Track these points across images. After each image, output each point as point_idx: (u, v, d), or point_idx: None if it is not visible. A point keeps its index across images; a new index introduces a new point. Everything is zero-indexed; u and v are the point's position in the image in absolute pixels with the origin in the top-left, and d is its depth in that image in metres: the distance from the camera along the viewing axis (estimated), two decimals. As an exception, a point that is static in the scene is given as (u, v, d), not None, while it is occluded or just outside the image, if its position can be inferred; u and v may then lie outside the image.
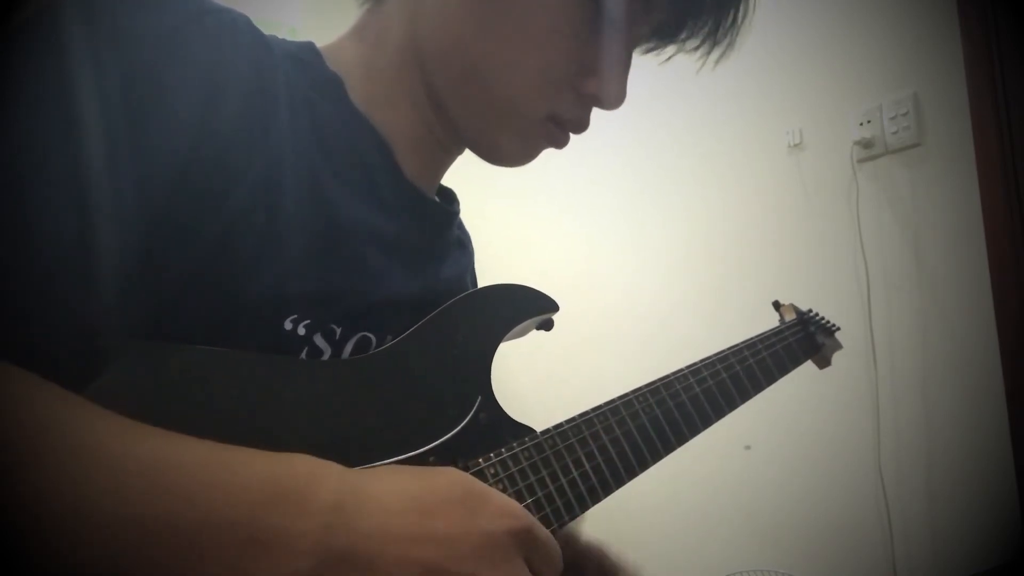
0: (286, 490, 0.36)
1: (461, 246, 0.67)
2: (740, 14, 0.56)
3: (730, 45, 0.57)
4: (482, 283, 0.66)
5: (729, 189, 2.17)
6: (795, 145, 2.04)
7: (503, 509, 0.42)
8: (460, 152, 0.62)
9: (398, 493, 0.40)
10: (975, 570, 1.64)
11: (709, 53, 0.57)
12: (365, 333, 0.51)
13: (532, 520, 0.43)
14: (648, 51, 0.58)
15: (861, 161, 1.92)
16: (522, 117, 0.54)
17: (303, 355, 0.47)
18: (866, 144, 1.90)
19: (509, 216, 2.56)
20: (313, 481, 0.37)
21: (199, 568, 0.32)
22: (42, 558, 0.30)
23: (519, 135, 0.56)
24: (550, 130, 0.56)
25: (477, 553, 0.39)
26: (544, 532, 0.44)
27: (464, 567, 0.38)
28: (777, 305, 0.92)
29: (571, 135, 0.58)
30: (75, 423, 0.34)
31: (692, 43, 0.56)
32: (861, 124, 1.91)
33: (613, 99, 0.55)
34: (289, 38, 0.54)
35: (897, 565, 1.80)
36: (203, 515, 0.33)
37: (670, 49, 0.57)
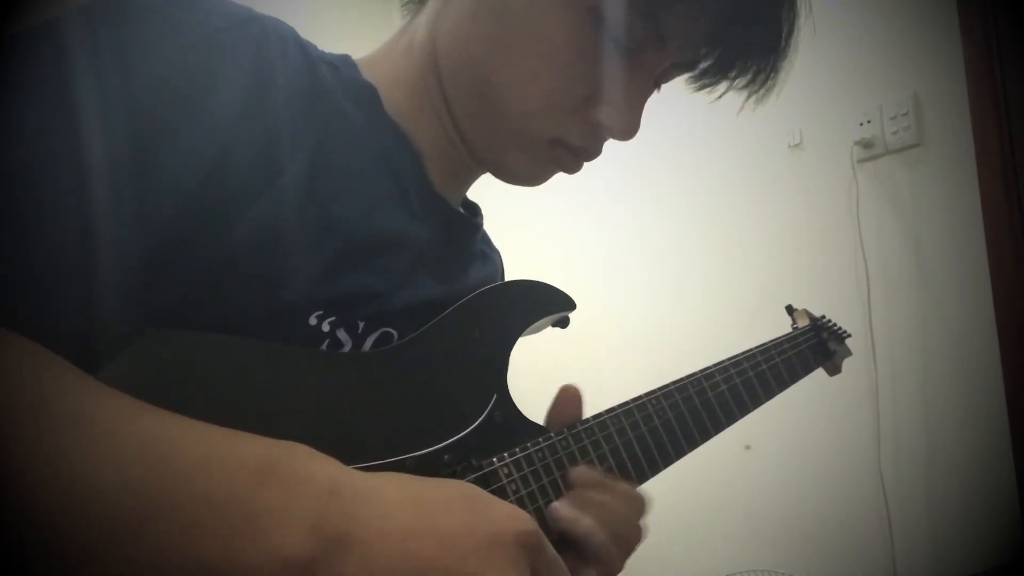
0: (283, 471, 0.35)
1: (484, 258, 0.67)
2: (784, 48, 0.55)
3: (775, 85, 0.56)
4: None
5: (729, 189, 2.17)
6: (795, 145, 2.04)
7: (510, 511, 0.41)
8: (484, 170, 0.62)
9: (397, 487, 0.39)
10: (975, 570, 1.64)
11: (759, 90, 0.56)
12: (388, 329, 0.50)
13: (539, 529, 0.42)
14: (701, 88, 0.57)
15: (861, 161, 1.92)
16: (528, 137, 0.54)
17: (323, 347, 0.46)
18: (866, 144, 1.90)
19: (508, 218, 2.55)
20: (310, 464, 0.37)
21: (196, 545, 0.32)
22: (41, 527, 0.30)
23: (526, 155, 0.56)
24: (558, 154, 0.56)
25: (481, 553, 0.37)
26: (552, 548, 0.42)
27: (466, 566, 0.36)
28: (790, 310, 0.92)
29: (583, 163, 0.57)
30: (75, 394, 0.33)
31: (741, 81, 0.55)
32: (861, 124, 1.91)
33: (620, 130, 0.54)
34: None
35: (897, 565, 1.80)
36: (198, 490, 0.33)
37: (722, 86, 0.56)
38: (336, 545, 0.34)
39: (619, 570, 0.52)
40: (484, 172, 0.62)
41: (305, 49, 0.49)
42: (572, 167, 0.58)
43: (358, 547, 0.35)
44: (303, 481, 0.35)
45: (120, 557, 0.31)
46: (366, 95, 0.54)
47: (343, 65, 0.54)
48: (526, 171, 0.58)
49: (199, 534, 0.32)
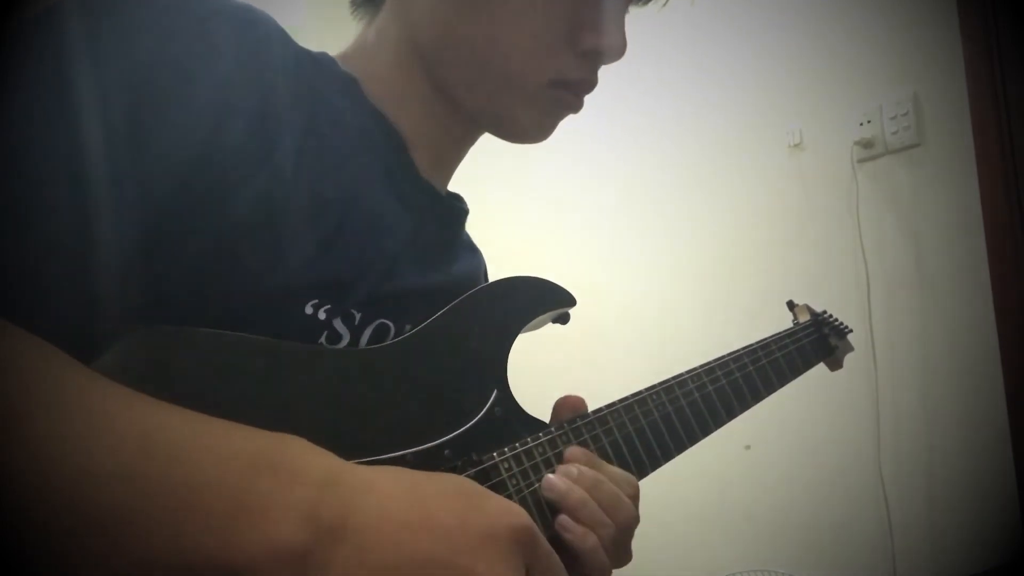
0: (278, 461, 0.35)
1: (472, 249, 0.68)
2: None
3: None
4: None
5: (729, 189, 2.17)
6: (795, 145, 2.04)
7: (504, 506, 0.41)
8: (471, 144, 0.63)
9: (393, 480, 0.39)
10: (975, 570, 1.64)
11: None
12: (384, 320, 0.51)
13: (534, 523, 0.42)
14: (647, 2, 0.59)
15: (861, 161, 1.92)
16: (526, 88, 0.55)
17: (322, 339, 0.47)
18: (866, 144, 1.90)
19: (507, 217, 2.55)
20: (305, 456, 0.37)
21: (190, 532, 0.32)
22: (35, 514, 0.30)
23: (529, 107, 0.57)
24: (559, 96, 0.57)
25: (475, 548, 0.37)
26: (547, 544, 0.42)
27: (460, 561, 0.37)
28: (791, 305, 0.92)
29: (583, 98, 0.58)
30: (70, 382, 0.33)
31: None
32: (861, 124, 1.91)
33: (612, 50, 0.55)
34: None
35: (897, 565, 1.80)
36: (192, 478, 0.33)
37: None
38: (329, 536, 0.34)
39: (627, 554, 0.52)
40: (467, 151, 0.63)
41: (287, 38, 0.50)
42: (575, 104, 0.58)
43: (351, 538, 0.35)
44: (298, 472, 0.35)
45: (112, 543, 0.31)
46: (348, 85, 0.55)
47: (322, 58, 0.55)
48: (533, 123, 0.58)
49: (192, 522, 0.32)
